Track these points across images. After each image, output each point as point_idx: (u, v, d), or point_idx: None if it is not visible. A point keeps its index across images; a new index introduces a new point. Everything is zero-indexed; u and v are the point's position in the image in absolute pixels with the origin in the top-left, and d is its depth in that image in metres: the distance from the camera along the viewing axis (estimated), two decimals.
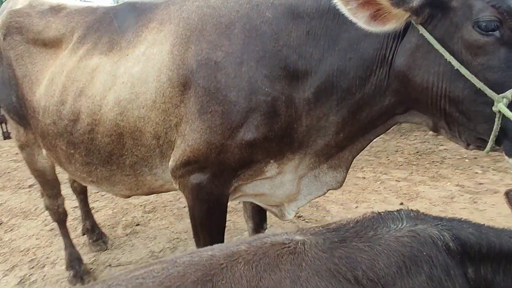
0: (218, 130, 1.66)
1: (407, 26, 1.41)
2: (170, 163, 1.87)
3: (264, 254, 0.84)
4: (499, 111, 1.26)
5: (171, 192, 2.80)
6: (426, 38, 1.35)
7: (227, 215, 2.07)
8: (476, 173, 4.19)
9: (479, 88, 1.28)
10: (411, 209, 1.01)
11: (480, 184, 3.91)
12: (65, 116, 1.95)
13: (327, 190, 1.95)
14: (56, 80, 1.98)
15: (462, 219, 1.00)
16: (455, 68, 1.31)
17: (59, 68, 1.99)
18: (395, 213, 0.98)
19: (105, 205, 3.96)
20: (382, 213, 0.98)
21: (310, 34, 1.60)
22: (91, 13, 2.05)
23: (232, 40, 1.64)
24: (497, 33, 1.23)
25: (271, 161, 1.76)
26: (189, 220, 3.63)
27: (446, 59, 1.32)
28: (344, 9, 1.36)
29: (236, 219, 3.57)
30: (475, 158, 4.61)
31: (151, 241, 3.27)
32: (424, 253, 0.86)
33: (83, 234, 3.27)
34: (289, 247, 0.86)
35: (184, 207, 3.82)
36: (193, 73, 1.68)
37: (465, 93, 1.33)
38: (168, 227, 3.50)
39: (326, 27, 1.58)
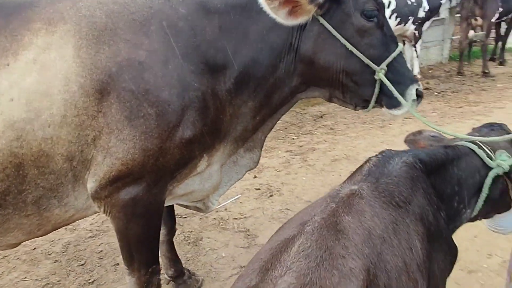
0: (154, 134, 1.58)
1: None
2: (90, 185, 1.63)
3: (350, 204, 1.00)
4: (380, 79, 1.74)
5: None
6: (325, 27, 1.69)
7: None
8: (293, 139, 5.13)
9: (366, 63, 1.72)
10: (388, 149, 1.34)
11: (300, 146, 4.82)
12: None
13: (246, 172, 2.13)
14: None
15: (432, 136, 1.42)
16: (349, 49, 1.71)
17: None
18: (384, 153, 1.29)
19: None
20: (378, 156, 1.28)
21: (222, 29, 1.71)
22: None
23: (151, 38, 1.57)
24: (375, 19, 1.70)
25: (204, 155, 1.80)
26: (48, 261, 3.08)
27: (342, 42, 1.70)
28: (267, 8, 1.55)
29: None
30: (286, 128, 5.58)
31: None
32: (416, 174, 1.21)
33: None
34: (357, 194, 1.04)
35: (35, 248, 3.16)
36: (112, 76, 1.52)
37: (357, 67, 1.75)
38: (25, 278, 2.84)
39: (235, 22, 1.72)
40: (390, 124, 5.39)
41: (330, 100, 1.96)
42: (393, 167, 1.21)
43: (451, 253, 1.29)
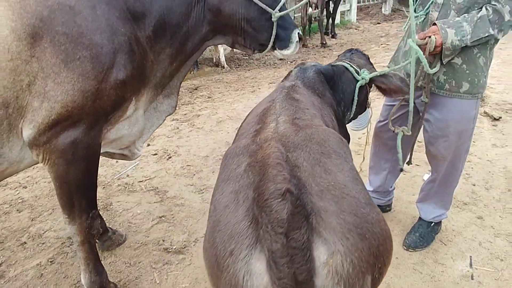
0: (91, 76, 1.68)
1: None
2: (27, 132, 1.66)
3: (295, 90, 1.38)
4: (276, 21, 2.16)
5: None
6: None
7: None
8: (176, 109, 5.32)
9: (263, 9, 2.13)
10: (301, 64, 1.78)
11: (185, 114, 5.08)
12: None
13: (165, 117, 2.34)
14: None
15: (318, 64, 1.90)
16: None
17: None
18: (300, 66, 1.72)
19: None
20: (297, 68, 1.70)
21: None
22: None
23: None
24: None
25: (133, 98, 1.95)
26: None
27: None
28: None
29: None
30: None
31: None
32: (322, 79, 1.69)
33: None
34: (296, 85, 1.43)
35: None
36: (44, 20, 1.56)
37: (255, 14, 2.14)
38: None
39: None
40: (259, 89, 6.06)
41: (233, 46, 2.32)
42: (308, 73, 1.67)
43: (347, 137, 1.83)
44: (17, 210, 3.15)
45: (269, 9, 2.12)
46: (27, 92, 1.59)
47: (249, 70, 7.41)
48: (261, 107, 1.32)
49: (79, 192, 1.88)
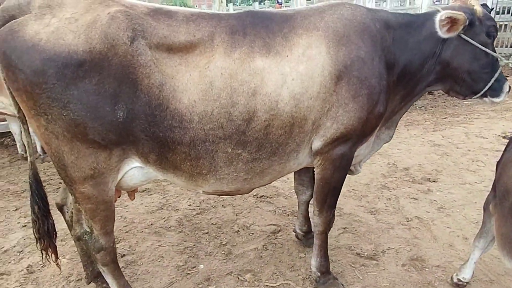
0: (365, 107, 2.30)
1: None
2: (317, 144, 2.31)
3: None
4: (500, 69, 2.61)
5: None
6: (462, 40, 2.54)
7: None
8: None
9: (485, 65, 2.59)
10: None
11: None
12: (237, 117, 1.99)
13: (382, 144, 2.90)
14: (217, 84, 1.95)
15: None
16: (476, 55, 2.57)
17: (215, 72, 1.96)
18: None
19: None
20: None
21: (395, 40, 2.50)
22: (221, 19, 2.08)
23: (365, 43, 2.31)
24: (492, 38, 2.59)
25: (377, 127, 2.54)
26: (171, 232, 3.56)
27: (470, 51, 2.56)
28: (439, 25, 2.37)
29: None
30: None
31: None
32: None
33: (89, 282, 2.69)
34: None
35: (152, 224, 3.60)
36: (347, 67, 2.23)
37: (476, 69, 2.61)
38: (161, 245, 3.29)
39: (402, 35, 2.52)
40: (398, 130, 6.42)
41: (447, 92, 2.80)
42: None
43: None
44: (222, 206, 3.95)
45: (499, 56, 2.58)
46: (325, 115, 2.25)
47: None
48: None
49: (333, 192, 2.49)
